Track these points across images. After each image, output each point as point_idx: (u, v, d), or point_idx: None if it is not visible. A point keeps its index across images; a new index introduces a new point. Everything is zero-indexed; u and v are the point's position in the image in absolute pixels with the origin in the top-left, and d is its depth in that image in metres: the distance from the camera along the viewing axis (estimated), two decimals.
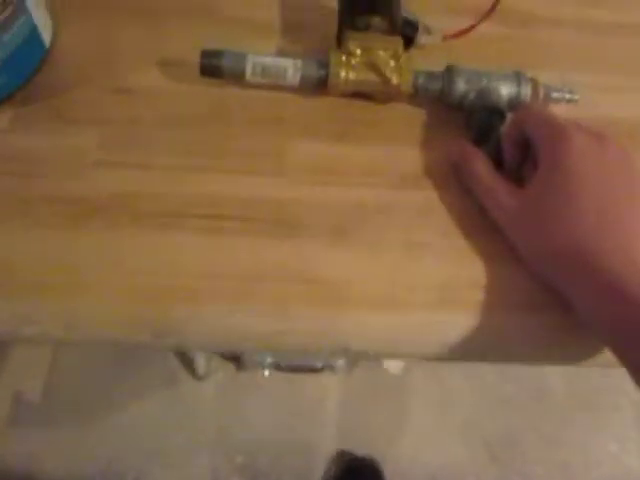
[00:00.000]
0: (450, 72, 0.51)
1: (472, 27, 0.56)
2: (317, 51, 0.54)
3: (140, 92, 0.52)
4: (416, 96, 0.52)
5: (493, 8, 0.55)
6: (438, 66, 0.54)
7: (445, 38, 0.56)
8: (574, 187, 0.41)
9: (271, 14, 0.59)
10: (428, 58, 0.56)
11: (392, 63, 0.51)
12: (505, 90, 0.51)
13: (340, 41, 0.52)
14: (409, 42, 0.55)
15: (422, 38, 0.55)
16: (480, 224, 0.47)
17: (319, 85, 0.51)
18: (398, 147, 0.51)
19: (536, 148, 0.45)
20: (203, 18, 0.58)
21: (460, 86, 0.51)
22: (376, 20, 0.51)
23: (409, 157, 0.51)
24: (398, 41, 0.51)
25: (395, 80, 0.50)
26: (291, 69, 0.50)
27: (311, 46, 0.56)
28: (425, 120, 0.53)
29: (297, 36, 0.57)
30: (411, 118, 0.53)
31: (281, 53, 0.56)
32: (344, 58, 0.50)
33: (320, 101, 0.52)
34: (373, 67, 0.50)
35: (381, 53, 0.50)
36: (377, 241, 0.46)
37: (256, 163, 0.49)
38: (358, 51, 0.50)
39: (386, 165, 0.50)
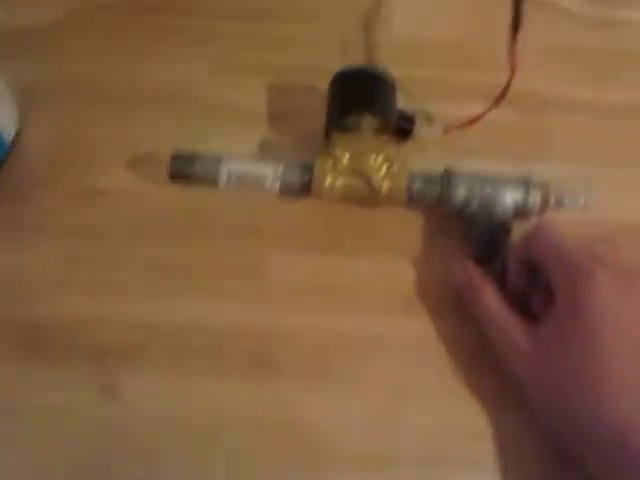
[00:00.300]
0: (449, 177, 0.46)
1: (477, 119, 0.50)
2: (306, 139, 0.49)
3: (109, 196, 0.48)
4: (411, 202, 0.46)
5: (503, 96, 0.49)
6: (438, 160, 0.48)
7: (447, 130, 0.51)
8: (597, 345, 0.35)
9: (257, 99, 0.54)
10: (427, 151, 0.50)
11: (383, 168, 0.45)
12: (511, 198, 0.45)
13: (328, 140, 0.47)
14: (406, 136, 0.50)
15: (421, 131, 0.50)
16: (481, 361, 0.41)
17: (302, 191, 0.46)
18: (391, 261, 0.46)
19: (550, 280, 0.39)
20: (181, 104, 0.53)
21: (460, 194, 0.45)
22: (367, 119, 0.46)
23: (403, 274, 0.45)
24: (391, 143, 0.46)
25: (386, 188, 0.45)
26: (270, 176, 0.45)
27: (300, 132, 0.51)
28: (422, 227, 0.48)
29: (284, 124, 0.52)
30: (406, 225, 0.48)
31: (265, 145, 0.51)
32: (330, 163, 0.45)
33: (304, 205, 0.47)
34: (361, 174, 0.45)
35: (371, 158, 0.45)
36: (362, 382, 0.41)
37: (231, 284, 0.44)
38: (346, 155, 0.45)
39: (376, 284, 0.45)
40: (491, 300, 0.40)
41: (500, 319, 0.40)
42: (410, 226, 0.48)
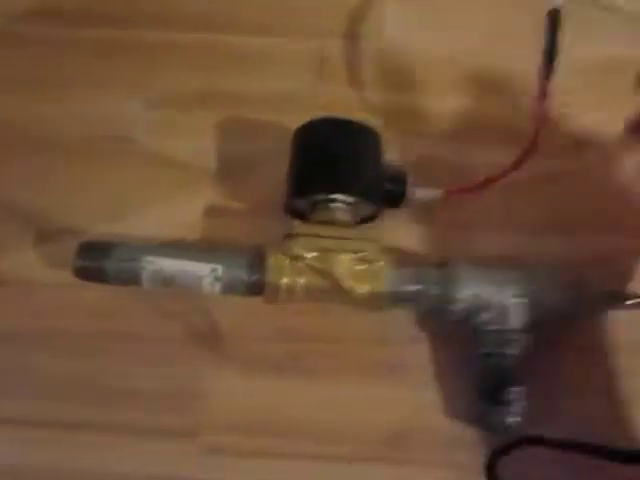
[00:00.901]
0: (449, 275, 0.34)
1: (490, 181, 0.37)
2: (267, 201, 0.38)
3: (11, 287, 0.37)
4: (398, 307, 0.35)
5: (530, 152, 0.37)
6: (436, 236, 0.37)
7: (449, 193, 0.38)
8: None
9: (204, 145, 0.41)
10: (421, 222, 0.38)
11: (359, 269, 0.33)
12: (533, 302, 0.34)
13: (288, 213, 0.36)
14: (394, 202, 0.37)
15: (414, 193, 0.37)
16: None
17: (251, 292, 0.34)
18: (366, 388, 0.35)
19: None
20: (105, 158, 0.41)
21: (462, 301, 0.33)
22: (338, 203, 0.34)
23: (386, 403, 0.34)
24: (372, 235, 0.34)
25: (363, 293, 0.33)
26: (208, 278, 0.34)
27: (261, 191, 0.39)
28: (413, 333, 0.36)
29: (240, 180, 0.40)
30: (392, 329, 0.36)
31: (213, 212, 0.39)
32: (288, 262, 0.33)
33: (255, 306, 0.36)
34: (329, 276, 0.33)
35: (343, 258, 0.33)
36: None
37: (157, 421, 0.34)
38: (308, 255, 0.33)
39: (347, 425, 0.34)
40: None
41: None
42: (397, 332, 0.36)
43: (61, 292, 0.37)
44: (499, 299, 0.33)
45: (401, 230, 0.38)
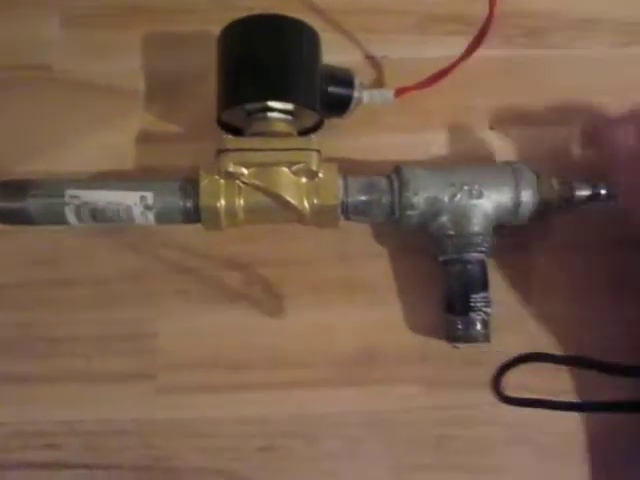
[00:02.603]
0: (402, 181, 0.31)
1: (445, 72, 0.34)
2: (205, 120, 0.33)
3: None
4: (350, 220, 0.32)
5: (484, 34, 0.33)
6: (393, 138, 0.34)
7: (401, 92, 0.35)
8: None
9: (130, 62, 0.37)
10: (376, 123, 0.35)
11: (301, 181, 0.30)
12: (492, 204, 0.31)
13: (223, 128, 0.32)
14: (340, 109, 0.34)
15: (362, 97, 0.34)
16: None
17: (189, 219, 0.31)
18: (326, 310, 0.33)
19: None
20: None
21: (417, 207, 0.31)
22: (273, 111, 0.31)
23: (343, 330, 0.32)
24: (311, 144, 0.30)
25: (310, 209, 0.31)
26: (138, 208, 0.31)
27: (196, 110, 0.36)
28: (368, 250, 0.34)
29: (172, 98, 0.37)
30: (346, 254, 0.34)
31: (143, 138, 0.36)
32: (223, 182, 0.30)
33: (199, 235, 0.33)
34: (270, 193, 0.30)
35: (282, 172, 0.30)
36: None
37: (109, 365, 0.32)
38: (243, 171, 0.30)
39: (309, 349, 0.32)
40: None
41: None
42: (354, 249, 0.34)
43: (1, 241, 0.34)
44: (454, 201, 0.30)
45: (349, 139, 0.35)
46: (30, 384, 0.31)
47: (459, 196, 0.30)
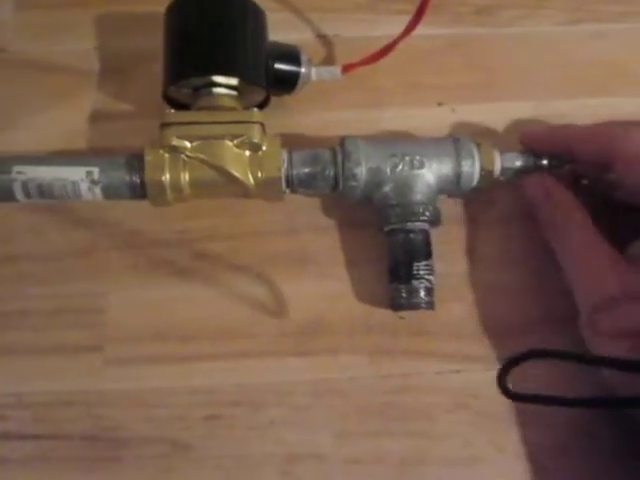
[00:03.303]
0: (345, 153, 0.31)
1: (388, 49, 0.34)
2: (153, 97, 0.34)
3: None
4: (295, 192, 0.33)
5: (424, 8, 0.33)
6: (340, 116, 0.34)
7: (348, 69, 0.35)
8: None
9: (79, 42, 0.38)
10: (324, 101, 0.36)
11: (245, 154, 0.31)
12: (434, 174, 0.31)
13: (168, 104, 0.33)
14: (286, 86, 0.34)
15: (310, 73, 0.34)
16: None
17: (136, 195, 0.32)
18: (275, 283, 0.33)
19: None
20: None
21: (360, 179, 0.31)
22: (216, 85, 0.31)
23: (290, 302, 0.33)
24: (254, 116, 0.31)
25: (254, 182, 0.31)
26: (85, 183, 0.31)
27: (141, 99, 0.36)
28: (315, 222, 0.34)
29: (121, 76, 0.37)
30: (293, 227, 0.34)
31: (94, 117, 0.36)
32: (167, 156, 0.31)
33: (149, 212, 0.33)
34: (214, 167, 0.31)
35: (225, 145, 0.30)
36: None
37: (57, 338, 0.32)
38: (186, 144, 0.30)
39: (256, 321, 0.32)
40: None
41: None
42: (301, 222, 0.34)
43: None
44: (396, 172, 0.31)
45: (299, 116, 0.36)
46: None
47: (401, 166, 0.31)
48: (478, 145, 0.32)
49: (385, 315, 0.32)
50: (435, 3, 0.33)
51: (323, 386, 0.31)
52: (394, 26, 0.35)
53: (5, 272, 0.33)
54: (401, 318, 0.32)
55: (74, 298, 0.33)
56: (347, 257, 0.33)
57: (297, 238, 0.34)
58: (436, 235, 0.32)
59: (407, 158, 0.31)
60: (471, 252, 0.34)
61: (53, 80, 0.37)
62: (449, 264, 0.33)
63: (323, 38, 0.38)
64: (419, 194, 0.31)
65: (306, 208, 0.34)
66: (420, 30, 0.34)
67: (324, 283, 0.33)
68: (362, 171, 0.31)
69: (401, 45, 0.34)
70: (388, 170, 0.31)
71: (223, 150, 0.30)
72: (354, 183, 0.31)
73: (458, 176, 0.31)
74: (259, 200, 0.33)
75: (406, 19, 0.34)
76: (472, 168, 0.31)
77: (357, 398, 0.31)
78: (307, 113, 0.36)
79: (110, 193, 0.32)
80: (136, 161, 0.31)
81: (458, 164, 0.31)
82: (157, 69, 0.34)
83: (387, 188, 0.31)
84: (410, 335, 0.32)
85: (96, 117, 0.36)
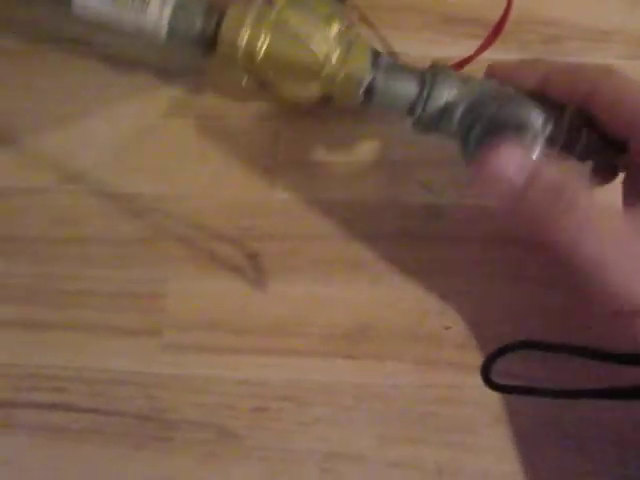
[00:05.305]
0: (435, 75, 0.30)
1: (457, 67, 0.35)
2: None
3: None
4: (367, 105, 0.31)
5: (499, 29, 0.34)
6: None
7: None
8: None
9: None
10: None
11: (332, 32, 0.30)
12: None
13: None
14: None
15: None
16: None
17: (200, 44, 0.31)
18: (323, 286, 0.34)
19: None
20: None
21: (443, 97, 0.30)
22: None
23: (338, 305, 0.34)
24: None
25: (331, 63, 0.30)
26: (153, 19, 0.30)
27: None
28: (368, 230, 0.35)
29: None
30: (350, 230, 0.35)
31: None
32: (254, 13, 0.29)
33: (211, 208, 0.35)
34: (300, 40, 0.29)
35: (322, 25, 0.29)
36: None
37: (117, 320, 0.34)
38: (282, 4, 0.29)
39: (305, 321, 0.34)
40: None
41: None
42: (356, 228, 0.35)
43: (23, 198, 0.36)
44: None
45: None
46: (42, 330, 0.33)
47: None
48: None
49: (432, 326, 0.33)
50: (504, 29, 0.34)
51: (367, 390, 0.32)
52: (457, 48, 0.36)
53: (73, 252, 0.35)
54: (447, 328, 0.33)
55: (136, 283, 0.34)
56: (400, 267, 0.34)
57: (353, 244, 0.35)
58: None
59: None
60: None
61: (132, 74, 0.39)
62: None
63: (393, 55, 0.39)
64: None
65: (364, 215, 0.35)
66: (487, 54, 0.35)
67: (376, 290, 0.34)
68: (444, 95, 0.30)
69: (466, 68, 0.35)
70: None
71: (316, 28, 0.29)
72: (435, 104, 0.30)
73: None
74: (318, 203, 0.34)
75: (470, 42, 0.35)
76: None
77: (399, 404, 0.32)
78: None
79: (175, 37, 0.30)
80: (215, 6, 0.30)
81: None
82: None
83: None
84: (455, 348, 0.33)
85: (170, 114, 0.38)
